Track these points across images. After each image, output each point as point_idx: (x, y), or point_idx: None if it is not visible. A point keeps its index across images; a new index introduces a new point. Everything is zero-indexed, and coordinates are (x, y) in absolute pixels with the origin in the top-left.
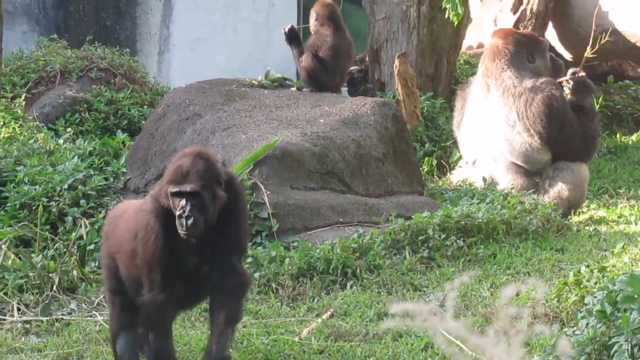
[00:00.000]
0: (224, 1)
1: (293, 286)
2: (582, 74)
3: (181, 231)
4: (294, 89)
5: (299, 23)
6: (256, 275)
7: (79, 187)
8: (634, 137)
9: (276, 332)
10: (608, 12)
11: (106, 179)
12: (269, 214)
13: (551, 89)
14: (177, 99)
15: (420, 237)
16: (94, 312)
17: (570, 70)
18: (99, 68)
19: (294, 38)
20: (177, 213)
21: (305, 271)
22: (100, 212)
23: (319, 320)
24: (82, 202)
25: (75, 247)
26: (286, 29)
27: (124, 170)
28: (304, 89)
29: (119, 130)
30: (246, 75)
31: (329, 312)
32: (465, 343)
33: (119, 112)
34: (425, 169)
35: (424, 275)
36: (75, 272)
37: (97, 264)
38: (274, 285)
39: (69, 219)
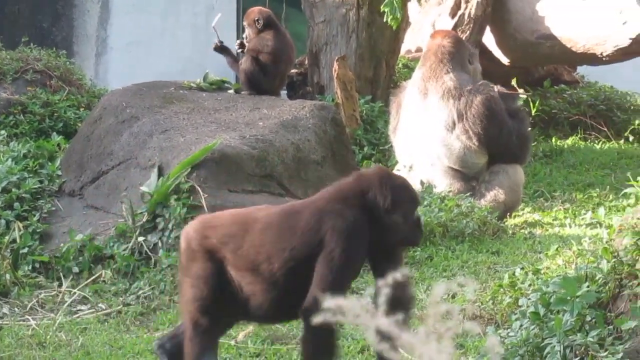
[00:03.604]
0: (163, 4)
1: None
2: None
3: (418, 241)
4: (232, 91)
5: (239, 26)
6: None
7: (13, 190)
8: (569, 141)
9: None
10: (544, 17)
11: (41, 182)
12: None
13: (489, 91)
14: (113, 101)
15: None
16: (26, 317)
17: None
18: (34, 70)
19: (223, 49)
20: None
21: None
22: (34, 215)
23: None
24: (16, 205)
25: (9, 250)
26: (213, 46)
27: (59, 173)
28: (242, 92)
29: (55, 133)
30: (185, 79)
31: None
32: (397, 340)
33: (55, 114)
34: None
35: (362, 278)
36: (8, 276)
37: (30, 267)
38: None
39: (2, 222)
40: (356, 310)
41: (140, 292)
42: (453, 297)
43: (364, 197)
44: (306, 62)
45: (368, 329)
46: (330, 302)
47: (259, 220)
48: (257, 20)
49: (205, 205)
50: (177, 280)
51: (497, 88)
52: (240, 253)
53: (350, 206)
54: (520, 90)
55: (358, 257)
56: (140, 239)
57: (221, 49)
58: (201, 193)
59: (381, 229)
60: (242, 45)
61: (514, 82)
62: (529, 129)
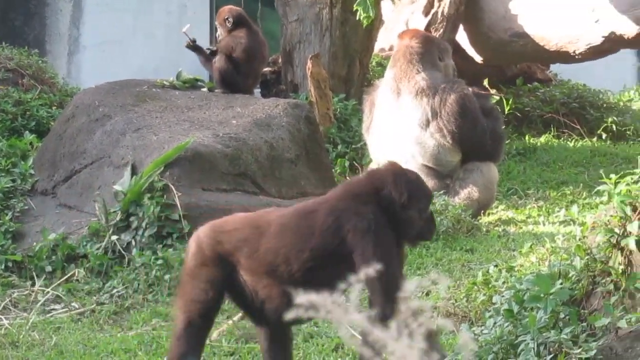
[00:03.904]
0: (136, 2)
1: None
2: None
3: (431, 236)
4: (205, 90)
5: (212, 24)
6: (167, 277)
7: None
8: (542, 139)
9: None
10: (517, 15)
11: (13, 181)
12: (180, 215)
13: (463, 89)
14: (86, 99)
15: None
16: None
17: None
18: (6, 69)
19: (196, 48)
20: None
21: None
22: (6, 214)
23: (230, 322)
24: None
25: None
26: (187, 37)
27: (32, 172)
28: (216, 91)
29: (27, 132)
30: (159, 77)
31: (240, 314)
32: (369, 336)
33: (27, 113)
34: (338, 171)
35: None
36: None
37: (3, 266)
38: None
39: None
40: (329, 307)
41: (114, 291)
42: (427, 294)
43: (377, 195)
44: (280, 60)
45: (341, 326)
46: (301, 298)
47: (273, 222)
48: (227, 19)
49: (178, 204)
50: (180, 279)
51: (470, 89)
52: (256, 257)
53: (365, 203)
54: (493, 91)
55: (392, 246)
56: (114, 237)
57: (194, 47)
58: (175, 192)
59: (396, 225)
60: (189, 45)
61: (485, 82)
62: (503, 127)
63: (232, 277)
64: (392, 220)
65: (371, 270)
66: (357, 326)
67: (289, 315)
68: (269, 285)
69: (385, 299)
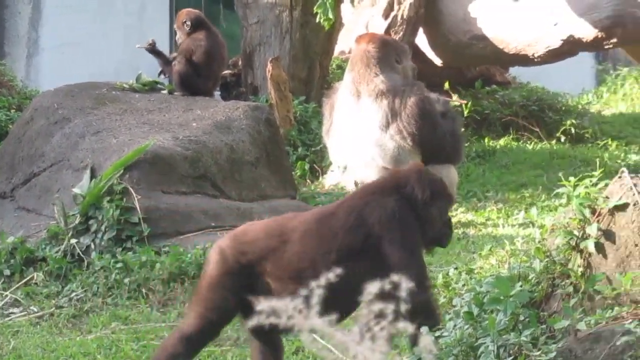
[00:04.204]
0: (95, 4)
1: (164, 291)
2: None
3: (448, 242)
4: (165, 92)
5: (171, 27)
6: (126, 280)
7: None
8: (502, 142)
9: (146, 338)
10: (476, 18)
11: None
12: (139, 218)
13: (422, 91)
14: (45, 102)
15: None
16: None
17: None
18: None
19: (155, 52)
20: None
21: (177, 276)
22: None
23: None
24: None
25: None
26: (145, 46)
27: None
28: (176, 93)
29: None
30: (118, 80)
31: None
32: (330, 340)
33: None
34: (298, 173)
35: None
36: None
37: None
38: (144, 290)
39: None
40: (290, 312)
41: (73, 294)
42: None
43: (399, 192)
44: (240, 63)
45: (302, 330)
46: (263, 304)
47: (296, 229)
48: (185, 22)
49: (138, 207)
50: (199, 287)
51: (433, 95)
52: (281, 264)
53: (388, 195)
54: (455, 97)
55: (417, 236)
56: (73, 241)
57: (153, 51)
58: (134, 195)
59: (417, 222)
60: (150, 47)
61: (446, 85)
62: (462, 129)
63: (256, 285)
64: (413, 216)
65: (401, 259)
66: (319, 330)
67: (251, 322)
68: (296, 290)
69: (417, 283)
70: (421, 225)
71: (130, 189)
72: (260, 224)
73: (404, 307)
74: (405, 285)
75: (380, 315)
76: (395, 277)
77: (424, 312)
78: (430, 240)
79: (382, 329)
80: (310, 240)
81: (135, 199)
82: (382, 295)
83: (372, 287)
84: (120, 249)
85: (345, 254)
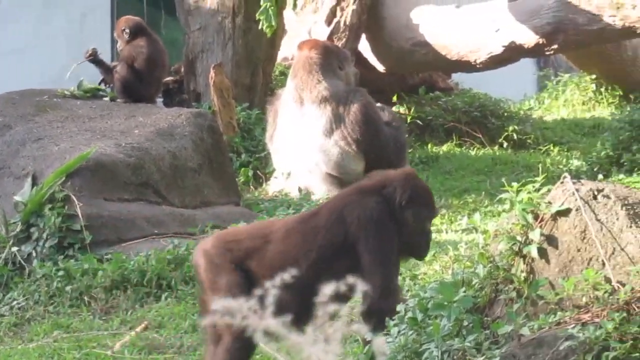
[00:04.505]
0: (36, 12)
1: (106, 299)
2: None
3: (422, 254)
4: (107, 99)
5: (113, 34)
6: (68, 288)
7: None
8: (444, 148)
9: (88, 346)
10: (419, 25)
11: None
12: (81, 226)
13: (366, 97)
14: None
15: None
16: None
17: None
18: None
19: (97, 60)
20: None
21: (119, 283)
22: None
23: (133, 333)
24: None
25: None
26: (86, 56)
27: None
28: (118, 100)
29: None
30: (60, 87)
31: (142, 325)
32: (284, 341)
33: None
34: (242, 180)
35: None
36: None
37: None
38: (86, 298)
39: None
40: (244, 312)
41: (14, 302)
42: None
43: (381, 192)
44: (182, 69)
45: (256, 331)
46: (218, 304)
47: (279, 229)
48: (124, 30)
49: (80, 214)
50: (200, 298)
51: (379, 104)
52: (264, 263)
53: (369, 195)
54: (394, 109)
55: (393, 240)
56: (14, 249)
57: (94, 60)
58: (76, 202)
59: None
60: (90, 55)
61: (395, 99)
62: (406, 135)
63: (248, 282)
64: (392, 219)
65: (371, 261)
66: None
67: (205, 321)
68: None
69: (381, 288)
70: (398, 229)
71: (72, 196)
72: (245, 226)
73: (359, 310)
74: (362, 288)
75: (335, 317)
76: (352, 280)
77: (377, 316)
78: (405, 247)
79: (336, 331)
80: (293, 239)
81: (77, 206)
82: (341, 297)
83: (327, 289)
84: (62, 256)
85: (326, 252)
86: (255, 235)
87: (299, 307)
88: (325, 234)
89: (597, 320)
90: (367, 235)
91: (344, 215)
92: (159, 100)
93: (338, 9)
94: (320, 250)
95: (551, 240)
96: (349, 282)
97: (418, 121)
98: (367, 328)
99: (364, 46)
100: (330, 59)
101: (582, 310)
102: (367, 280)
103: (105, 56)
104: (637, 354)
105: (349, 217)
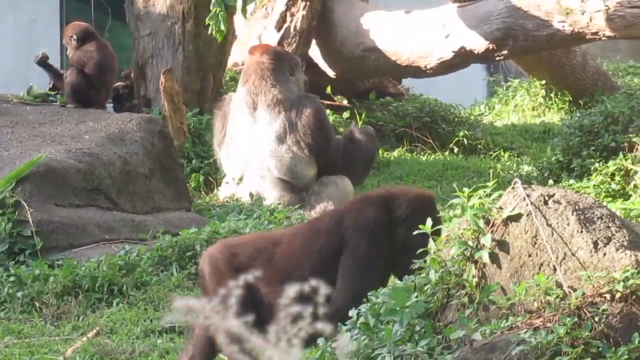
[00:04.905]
0: None
1: (57, 305)
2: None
3: (400, 274)
4: (57, 104)
5: (62, 39)
6: (19, 294)
7: None
8: (395, 153)
9: (40, 352)
10: (369, 30)
11: None
12: (32, 231)
13: (318, 102)
14: None
15: (188, 253)
16: None
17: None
18: None
19: (46, 65)
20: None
21: (71, 289)
22: None
23: (84, 338)
24: None
25: None
26: (36, 59)
27: None
28: (68, 105)
29: None
30: (9, 92)
31: (94, 331)
32: (246, 342)
33: None
34: (193, 185)
35: (192, 292)
36: None
37: None
38: (37, 304)
39: None
40: (206, 312)
41: None
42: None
43: (387, 202)
44: (132, 75)
45: (218, 331)
46: (180, 302)
47: (286, 233)
48: (72, 36)
49: (31, 220)
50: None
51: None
52: (270, 265)
53: (371, 204)
54: (344, 101)
55: (381, 252)
56: None
57: (44, 64)
58: (27, 208)
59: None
60: (41, 60)
61: (329, 89)
62: (374, 149)
63: (251, 292)
64: (388, 231)
65: (350, 266)
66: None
67: (165, 320)
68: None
69: (346, 294)
70: (391, 243)
71: (23, 202)
72: (253, 233)
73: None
74: (325, 291)
75: (298, 318)
76: (314, 282)
77: (339, 321)
78: (390, 262)
79: (298, 332)
80: (297, 241)
81: (28, 212)
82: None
83: (290, 291)
84: (13, 262)
85: (327, 256)
86: (263, 237)
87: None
88: (325, 237)
89: (548, 325)
90: (357, 241)
91: (343, 219)
92: (109, 105)
93: (288, 14)
94: (321, 253)
95: (502, 245)
96: (312, 285)
97: (369, 127)
98: (327, 330)
99: (315, 52)
100: (282, 64)
101: (533, 315)
102: (339, 284)
103: (55, 62)
104: (589, 359)
105: (347, 222)
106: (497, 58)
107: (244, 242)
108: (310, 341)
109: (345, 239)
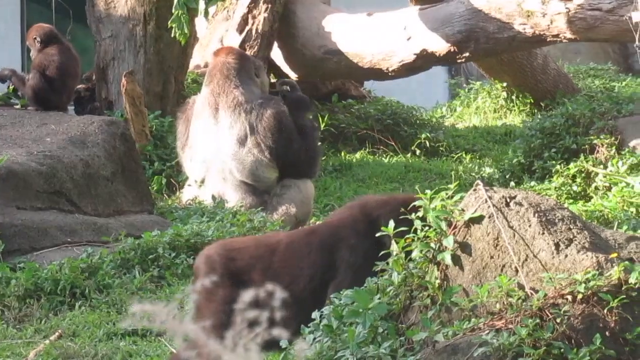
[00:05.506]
0: None
1: (19, 308)
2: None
3: None
4: (18, 107)
5: (23, 42)
6: None
7: None
8: (358, 155)
9: (2, 355)
10: (331, 33)
11: None
12: None
13: (279, 105)
14: None
15: (151, 256)
16: None
17: (279, 81)
18: None
19: (5, 81)
20: None
21: (33, 292)
22: None
23: (47, 341)
24: None
25: None
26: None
27: None
28: (29, 108)
29: None
30: None
31: (57, 333)
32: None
33: None
34: (155, 188)
35: (154, 294)
36: None
37: None
38: None
39: None
40: (163, 317)
41: None
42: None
43: (373, 223)
44: (94, 77)
45: (175, 335)
46: (137, 307)
47: (282, 241)
48: (35, 38)
49: None
50: (194, 301)
51: (285, 82)
52: (269, 274)
53: (363, 236)
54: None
55: (372, 266)
56: None
57: (3, 81)
58: None
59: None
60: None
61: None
62: (319, 143)
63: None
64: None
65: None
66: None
67: (124, 324)
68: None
69: None
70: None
71: None
72: (249, 236)
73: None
74: (280, 296)
75: (254, 324)
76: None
77: None
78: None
79: (255, 337)
80: (292, 255)
81: None
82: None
83: (246, 296)
84: None
85: (319, 272)
86: (261, 243)
87: (299, 321)
88: (315, 254)
89: (510, 326)
90: (343, 279)
91: (336, 248)
92: (71, 108)
93: (250, 17)
94: (310, 269)
95: (465, 247)
96: (268, 290)
97: (331, 129)
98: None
99: (277, 54)
100: (247, 65)
101: (495, 316)
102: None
103: (16, 64)
104: None
105: (340, 254)
106: (459, 60)
107: (240, 248)
108: (272, 345)
109: (336, 270)
